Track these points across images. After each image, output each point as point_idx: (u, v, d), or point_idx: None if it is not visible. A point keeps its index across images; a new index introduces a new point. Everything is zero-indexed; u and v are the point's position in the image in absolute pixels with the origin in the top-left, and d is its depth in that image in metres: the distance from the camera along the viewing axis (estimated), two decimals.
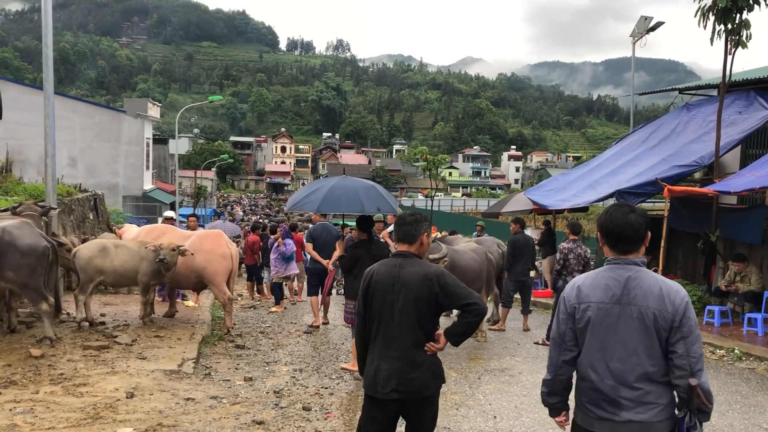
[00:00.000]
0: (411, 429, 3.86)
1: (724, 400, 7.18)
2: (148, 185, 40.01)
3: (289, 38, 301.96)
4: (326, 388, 6.99)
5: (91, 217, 19.91)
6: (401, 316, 3.76)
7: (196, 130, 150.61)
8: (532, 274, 12.04)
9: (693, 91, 17.18)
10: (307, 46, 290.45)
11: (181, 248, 9.37)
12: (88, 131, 36.30)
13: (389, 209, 8.06)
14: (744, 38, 11.69)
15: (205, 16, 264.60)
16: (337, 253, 8.27)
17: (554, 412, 3.39)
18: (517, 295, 11.90)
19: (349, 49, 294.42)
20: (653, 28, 16.92)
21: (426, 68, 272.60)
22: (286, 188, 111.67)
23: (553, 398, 3.33)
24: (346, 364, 7.94)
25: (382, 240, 10.29)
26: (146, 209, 38.30)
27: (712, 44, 12.00)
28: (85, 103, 39.31)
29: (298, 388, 6.91)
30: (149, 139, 40.31)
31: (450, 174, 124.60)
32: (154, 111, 41.73)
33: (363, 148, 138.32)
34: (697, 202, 13.63)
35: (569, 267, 9.93)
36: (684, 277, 14.01)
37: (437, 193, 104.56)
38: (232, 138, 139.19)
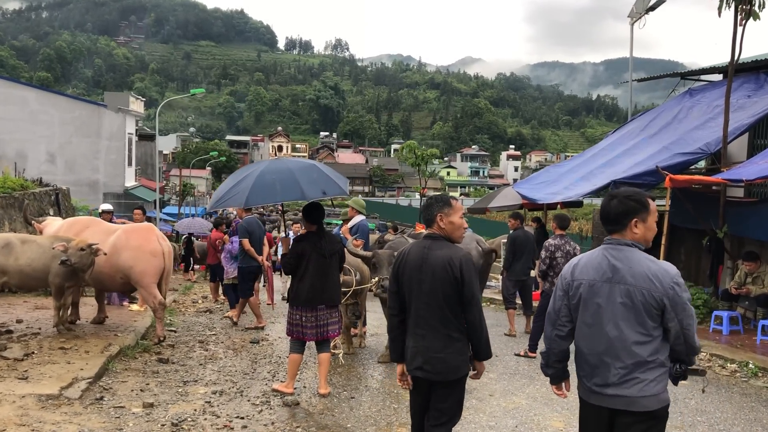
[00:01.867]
0: (433, 410, 3.93)
1: None
2: (130, 182, 38.58)
3: (287, 38, 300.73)
4: (241, 418, 5.58)
5: (52, 213, 18.52)
6: (428, 297, 3.87)
7: (192, 129, 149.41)
8: (532, 273, 10.96)
9: (696, 77, 15.80)
10: (306, 46, 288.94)
11: (93, 247, 7.95)
12: (67, 126, 34.93)
13: (337, 191, 6.35)
14: (756, 7, 10.29)
15: (204, 15, 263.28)
16: (282, 251, 6.87)
17: (552, 380, 3.60)
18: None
19: (347, 49, 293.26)
20: (653, 7, 15.55)
21: (425, 68, 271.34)
22: None
23: (549, 369, 3.56)
24: (278, 384, 6.54)
25: (340, 234, 8.95)
26: (128, 207, 36.89)
27: (720, 15, 10.60)
28: (65, 97, 37.90)
29: (205, 419, 5.50)
30: (132, 134, 38.86)
31: (448, 174, 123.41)
32: (136, 105, 40.33)
33: (360, 148, 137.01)
34: (702, 195, 12.25)
35: (557, 267, 8.57)
36: (687, 279, 12.55)
37: (435, 193, 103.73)
38: (229, 137, 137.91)
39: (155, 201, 36.16)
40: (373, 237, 11.21)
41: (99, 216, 12.41)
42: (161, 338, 8.48)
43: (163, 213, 41.80)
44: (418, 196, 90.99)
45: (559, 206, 15.92)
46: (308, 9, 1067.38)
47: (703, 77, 15.83)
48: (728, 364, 8.40)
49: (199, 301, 14.06)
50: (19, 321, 8.99)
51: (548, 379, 3.59)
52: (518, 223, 10.89)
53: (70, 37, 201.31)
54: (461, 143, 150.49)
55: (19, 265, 7.87)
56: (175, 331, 9.56)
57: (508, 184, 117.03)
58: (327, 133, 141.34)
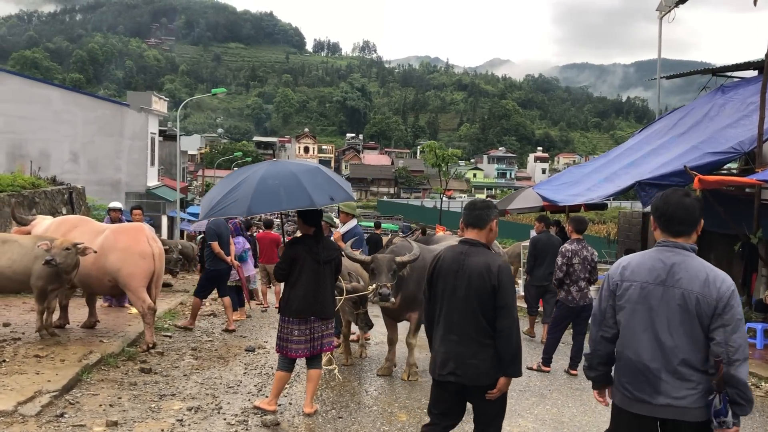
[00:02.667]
0: (477, 415, 3.98)
1: None
2: (152, 182, 38.50)
3: (315, 39, 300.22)
4: None
5: (65, 212, 18.32)
6: (463, 303, 3.85)
7: (220, 130, 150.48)
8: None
9: (729, 73, 14.95)
10: (334, 48, 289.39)
11: (79, 246, 7.51)
12: (90, 125, 34.92)
13: (344, 196, 5.77)
14: None
15: (233, 17, 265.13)
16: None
17: (595, 385, 3.50)
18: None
19: (375, 51, 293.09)
20: (682, 0, 14.73)
21: (452, 69, 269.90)
22: None
23: (592, 372, 3.44)
24: (260, 401, 5.98)
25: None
26: (150, 206, 36.80)
27: (755, 4, 9.84)
28: (88, 97, 37.96)
29: None
30: (154, 134, 38.80)
31: (474, 175, 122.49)
32: (159, 105, 40.24)
33: (386, 149, 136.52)
34: (734, 198, 11.48)
35: (573, 274, 7.91)
36: None
37: (460, 194, 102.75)
38: (256, 138, 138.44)
39: (177, 201, 36.08)
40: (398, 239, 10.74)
41: (107, 214, 12.00)
42: (150, 345, 8.00)
43: (186, 213, 41.68)
44: (444, 197, 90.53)
45: (582, 208, 15.19)
46: (337, 11, 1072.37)
47: (736, 74, 14.98)
48: (763, 383, 7.66)
49: (206, 303, 13.62)
50: (6, 324, 8.59)
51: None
52: (543, 227, 10.32)
53: (102, 39, 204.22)
54: (488, 145, 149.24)
55: None
56: (170, 337, 9.08)
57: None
58: (353, 135, 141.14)
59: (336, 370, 7.02)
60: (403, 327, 7.73)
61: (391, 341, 7.56)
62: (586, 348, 3.47)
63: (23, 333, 8.03)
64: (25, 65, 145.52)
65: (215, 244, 9.61)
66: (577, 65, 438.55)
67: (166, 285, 14.18)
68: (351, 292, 6.70)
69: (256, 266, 12.90)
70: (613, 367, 3.35)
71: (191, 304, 10.04)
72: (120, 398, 5.95)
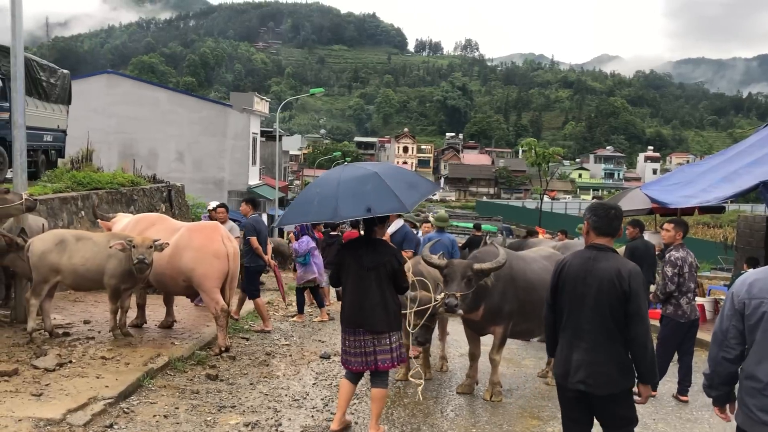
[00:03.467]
0: (606, 422, 3.88)
1: None
2: (254, 180, 39.34)
3: (417, 39, 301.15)
4: None
5: (164, 209, 18.73)
6: (593, 310, 3.76)
7: (322, 131, 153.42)
8: (652, 288, 9.23)
9: None
10: (435, 47, 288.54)
11: (158, 243, 7.31)
12: (195, 126, 36.10)
13: (390, 207, 4.92)
14: None
15: (337, 19, 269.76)
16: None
17: (716, 402, 3.40)
18: None
19: (477, 49, 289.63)
20: None
21: (557, 66, 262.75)
22: None
23: (713, 392, 3.35)
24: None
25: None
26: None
27: None
28: (193, 98, 39.33)
29: None
30: (256, 134, 39.65)
31: (580, 175, 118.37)
32: (261, 106, 41.09)
33: (487, 149, 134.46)
34: None
35: (684, 285, 6.92)
36: None
37: (564, 195, 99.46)
38: (356, 138, 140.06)
39: (276, 200, 36.62)
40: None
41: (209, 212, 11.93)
42: (223, 348, 7.69)
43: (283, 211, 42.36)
44: (546, 198, 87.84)
45: (696, 211, 13.83)
46: (439, 10, 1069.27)
47: None
48: None
49: (293, 305, 13.36)
50: (86, 321, 8.57)
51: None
52: (637, 232, 9.48)
53: (213, 44, 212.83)
54: (595, 144, 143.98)
55: (73, 264, 7.34)
56: (247, 339, 8.78)
57: None
58: (453, 134, 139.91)
59: (420, 389, 6.28)
60: (487, 339, 7.02)
61: (473, 356, 6.86)
62: (702, 367, 3.35)
63: (99, 332, 7.94)
64: (142, 69, 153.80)
65: (254, 239, 9.31)
66: (692, 60, 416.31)
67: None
68: (415, 304, 6.03)
69: (326, 267, 12.46)
70: (735, 385, 3.22)
71: (258, 309, 9.65)
72: (177, 408, 5.61)
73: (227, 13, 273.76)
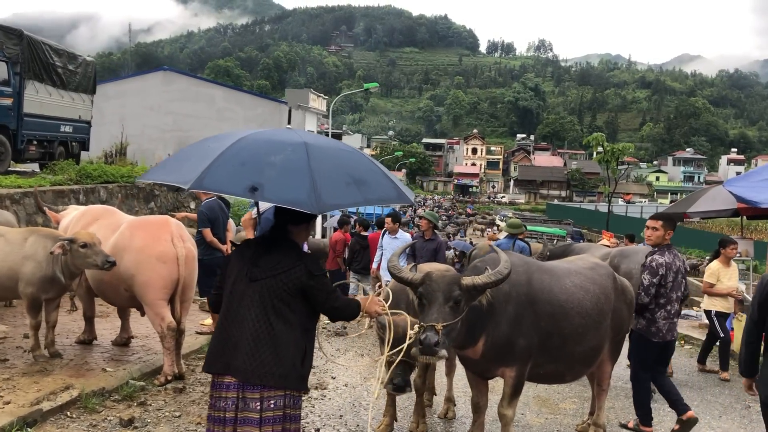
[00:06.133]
0: None
1: None
2: None
3: (489, 41, 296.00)
4: None
5: (192, 207, 17.53)
6: None
7: (390, 132, 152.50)
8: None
9: None
10: (508, 48, 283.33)
11: (92, 244, 5.80)
12: (250, 123, 35.21)
13: (295, 198, 3.09)
14: None
15: (409, 22, 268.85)
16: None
17: (745, 374, 3.94)
18: None
19: (551, 50, 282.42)
20: None
21: (634, 66, 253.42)
22: (471, 189, 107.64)
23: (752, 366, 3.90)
24: None
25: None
26: None
27: None
28: (248, 95, 38.59)
29: None
30: (312, 132, 38.52)
31: (657, 178, 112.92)
32: (318, 103, 39.97)
33: (559, 150, 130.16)
34: None
35: (664, 296, 5.73)
36: None
37: (641, 199, 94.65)
38: (425, 140, 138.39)
39: None
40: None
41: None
42: (169, 377, 6.11)
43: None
44: (621, 201, 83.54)
45: None
46: (512, 11, 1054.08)
47: None
48: None
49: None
50: (26, 336, 7.15)
51: None
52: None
53: (287, 48, 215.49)
54: (673, 146, 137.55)
55: None
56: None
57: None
58: (524, 135, 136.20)
59: None
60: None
61: (477, 407, 4.94)
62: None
63: (20, 349, 6.49)
64: (218, 73, 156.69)
65: (207, 232, 7.98)
66: None
67: None
68: (386, 332, 4.16)
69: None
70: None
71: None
72: None
73: (301, 17, 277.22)
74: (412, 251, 10.11)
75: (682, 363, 8.90)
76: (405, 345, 4.05)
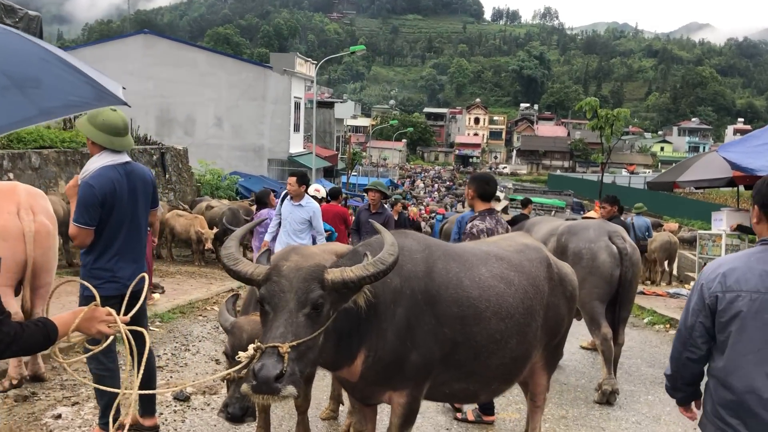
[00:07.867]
0: None
1: None
2: (296, 148, 36.76)
3: (494, 8, 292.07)
4: None
5: (154, 175, 16.27)
6: None
7: (392, 101, 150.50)
8: None
9: None
10: (513, 16, 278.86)
11: None
12: (234, 89, 33.82)
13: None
14: None
15: None
16: None
17: (680, 402, 3.09)
18: None
19: (557, 17, 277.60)
20: None
21: (641, 35, 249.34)
22: (471, 160, 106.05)
23: (677, 393, 3.04)
24: None
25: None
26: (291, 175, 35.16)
27: None
28: (232, 59, 37.01)
29: None
30: (299, 98, 36.97)
31: (662, 149, 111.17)
32: (305, 68, 38.35)
33: (563, 120, 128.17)
34: None
35: None
36: None
37: (645, 170, 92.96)
38: (426, 109, 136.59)
39: (313, 170, 33.97)
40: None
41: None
42: (14, 381, 4.90)
43: (328, 182, 39.85)
44: (624, 172, 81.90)
45: None
46: None
47: None
48: None
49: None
50: None
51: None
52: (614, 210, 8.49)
53: (288, 15, 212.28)
54: (679, 116, 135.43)
55: None
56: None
57: None
58: (528, 105, 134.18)
59: None
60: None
61: None
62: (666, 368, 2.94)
63: None
64: (217, 41, 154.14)
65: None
66: None
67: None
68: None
69: None
70: (700, 383, 2.88)
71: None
72: None
73: None
74: (356, 226, 8.85)
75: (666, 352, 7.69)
76: (240, 366, 2.80)
